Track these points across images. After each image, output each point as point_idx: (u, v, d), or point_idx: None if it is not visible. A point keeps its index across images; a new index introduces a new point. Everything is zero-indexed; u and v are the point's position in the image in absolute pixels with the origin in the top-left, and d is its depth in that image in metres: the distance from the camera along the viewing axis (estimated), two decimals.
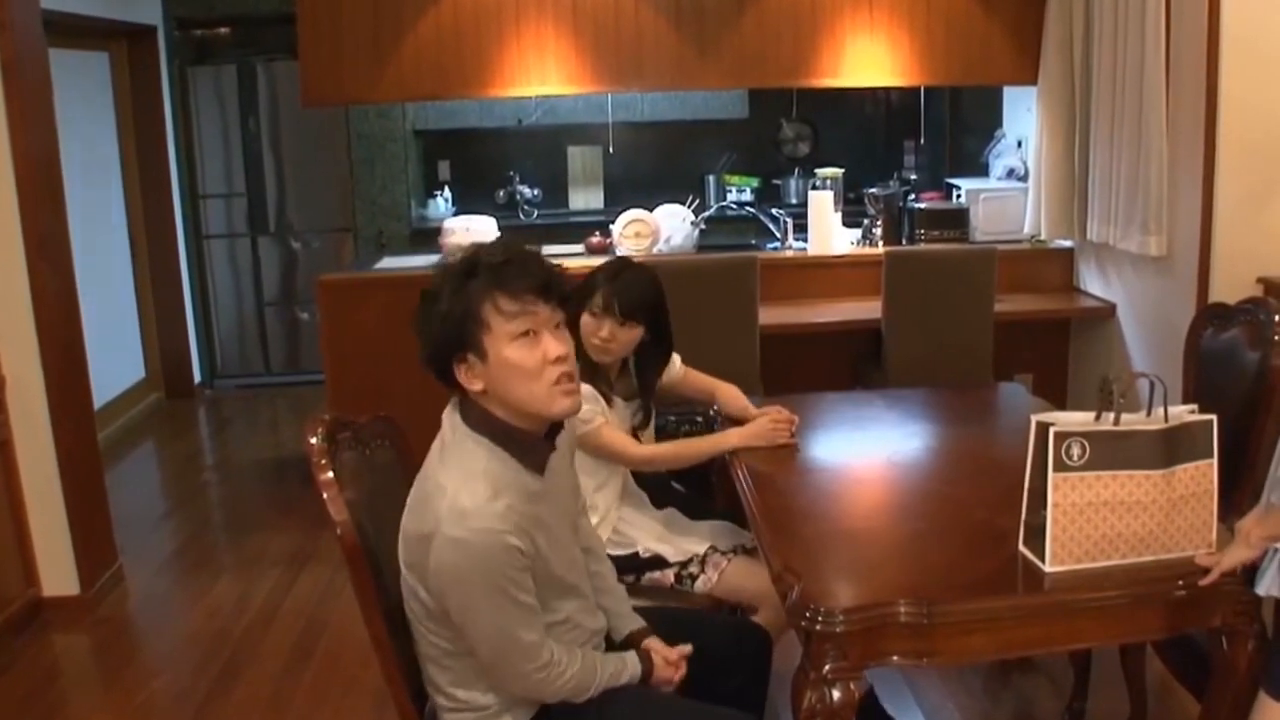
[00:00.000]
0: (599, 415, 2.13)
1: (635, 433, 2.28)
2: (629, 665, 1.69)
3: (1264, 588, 1.58)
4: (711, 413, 2.46)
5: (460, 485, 1.48)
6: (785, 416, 2.26)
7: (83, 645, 3.13)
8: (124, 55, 5.35)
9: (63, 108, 3.38)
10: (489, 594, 1.47)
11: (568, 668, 1.58)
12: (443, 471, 1.52)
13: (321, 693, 2.76)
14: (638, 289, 2.17)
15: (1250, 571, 1.62)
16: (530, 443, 1.56)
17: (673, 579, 2.20)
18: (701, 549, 2.21)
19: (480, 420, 1.54)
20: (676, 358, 2.38)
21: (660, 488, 2.38)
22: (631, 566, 2.20)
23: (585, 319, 2.15)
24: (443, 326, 1.49)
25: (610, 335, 2.14)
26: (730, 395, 2.38)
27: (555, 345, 1.51)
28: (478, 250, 1.52)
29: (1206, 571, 1.61)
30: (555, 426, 1.61)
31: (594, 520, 2.18)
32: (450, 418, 1.57)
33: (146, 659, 3.03)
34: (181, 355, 5.71)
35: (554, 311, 1.52)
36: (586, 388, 2.10)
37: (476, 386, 1.52)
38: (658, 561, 2.20)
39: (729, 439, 2.23)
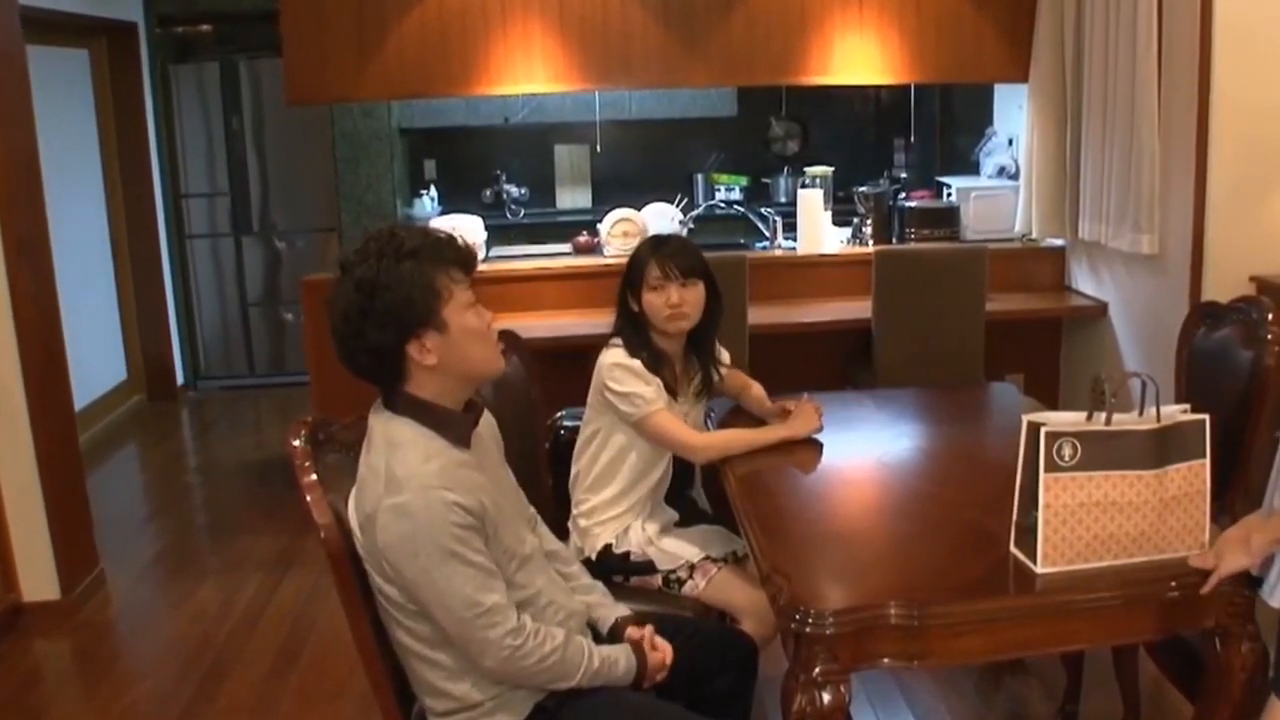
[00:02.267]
0: (659, 400, 2.14)
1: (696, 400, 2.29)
2: (623, 656, 1.68)
3: (1278, 600, 1.56)
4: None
5: (390, 459, 1.53)
6: (817, 405, 2.29)
7: (63, 651, 3.09)
8: (104, 53, 5.31)
9: (42, 106, 3.35)
10: (442, 558, 1.48)
11: (546, 641, 1.58)
12: (372, 456, 1.57)
13: (307, 698, 2.73)
14: (683, 248, 2.20)
15: (1250, 577, 1.60)
16: (451, 418, 1.60)
17: (660, 581, 2.18)
18: (696, 557, 2.19)
19: (402, 403, 1.58)
20: (725, 353, 2.39)
21: (677, 495, 2.37)
22: (621, 568, 2.18)
23: (648, 298, 2.16)
24: (402, 304, 1.52)
25: (679, 299, 2.15)
26: (761, 395, 2.41)
27: (489, 313, 1.63)
28: (394, 236, 1.56)
29: (1201, 573, 1.59)
30: (472, 403, 1.66)
31: (605, 518, 2.19)
32: (374, 413, 1.62)
33: (128, 665, 3.00)
34: (164, 356, 5.67)
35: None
36: (654, 379, 2.14)
37: (430, 361, 1.55)
38: (648, 566, 2.18)
39: (777, 432, 2.24)
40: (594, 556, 2.17)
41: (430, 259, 1.55)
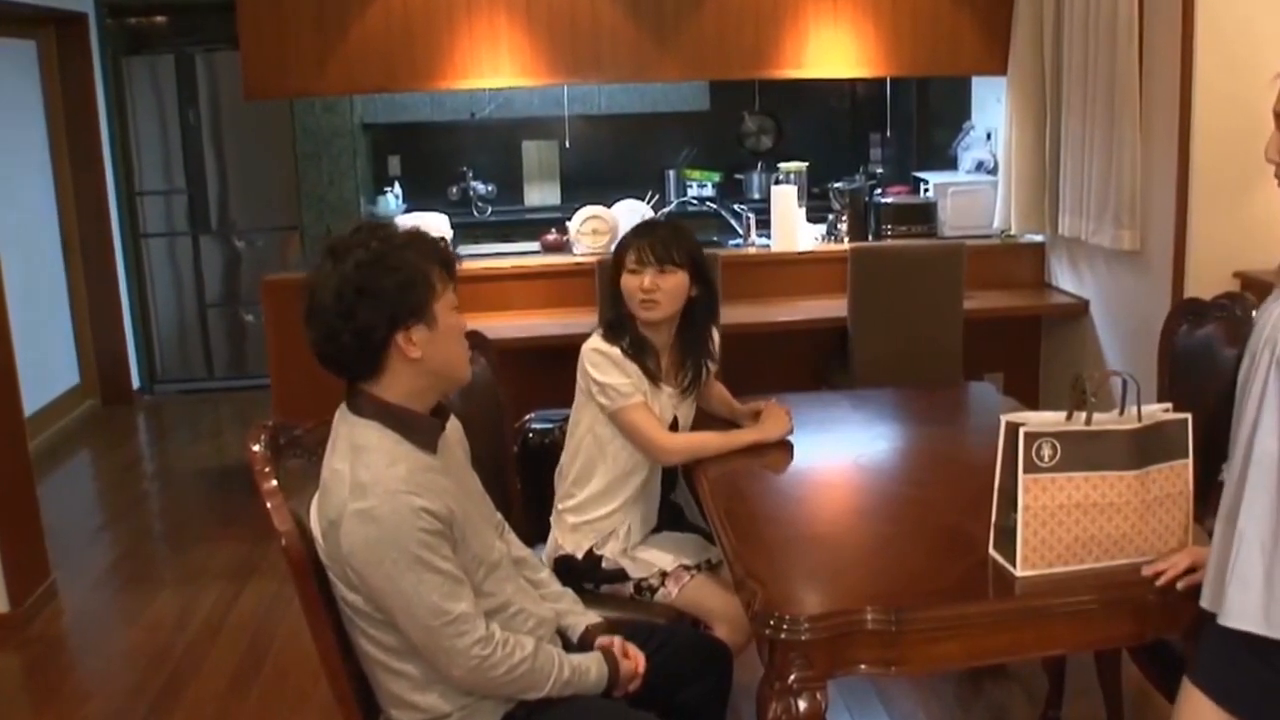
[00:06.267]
0: (638, 393, 2.10)
1: (682, 396, 2.24)
2: (595, 665, 1.66)
3: (1232, 618, 1.50)
4: None
5: (355, 463, 1.51)
6: (786, 409, 2.27)
7: (12, 666, 3.02)
8: (53, 44, 5.18)
9: None
10: (408, 564, 1.47)
11: (515, 650, 1.56)
12: (335, 459, 1.54)
13: (268, 711, 2.70)
14: (669, 234, 2.16)
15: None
16: (418, 422, 1.58)
17: (631, 590, 2.14)
18: (670, 565, 2.15)
19: (368, 406, 1.56)
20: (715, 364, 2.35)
21: (662, 499, 2.32)
22: (591, 574, 2.14)
23: (624, 280, 2.13)
24: (402, 289, 1.51)
25: (652, 284, 2.11)
26: (724, 397, 2.39)
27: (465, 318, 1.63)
28: (386, 226, 1.58)
29: (1180, 577, 1.58)
30: (439, 407, 1.64)
31: (591, 517, 2.15)
32: (339, 416, 1.59)
33: (81, 679, 2.93)
34: (119, 359, 5.55)
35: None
36: (632, 366, 2.09)
37: (415, 354, 1.53)
38: (619, 575, 2.14)
39: (748, 436, 2.21)
40: (579, 555, 2.13)
41: (429, 252, 1.55)
